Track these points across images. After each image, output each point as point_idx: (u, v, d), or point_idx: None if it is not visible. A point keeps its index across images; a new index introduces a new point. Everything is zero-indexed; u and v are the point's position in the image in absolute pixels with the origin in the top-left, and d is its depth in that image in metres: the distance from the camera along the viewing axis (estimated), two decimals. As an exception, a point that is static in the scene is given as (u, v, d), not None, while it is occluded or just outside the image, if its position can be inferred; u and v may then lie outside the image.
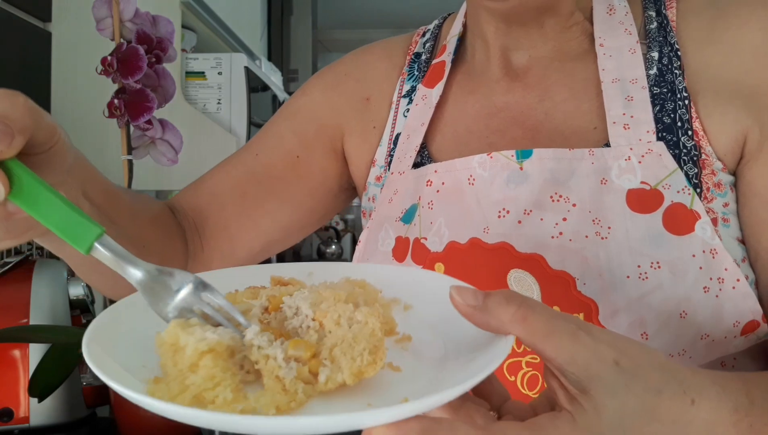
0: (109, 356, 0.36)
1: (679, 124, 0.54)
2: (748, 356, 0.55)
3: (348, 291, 0.41)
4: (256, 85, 1.44)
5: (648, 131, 0.54)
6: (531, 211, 0.54)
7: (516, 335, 0.35)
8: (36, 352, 1.00)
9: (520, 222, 0.54)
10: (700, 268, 0.50)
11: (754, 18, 0.55)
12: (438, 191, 0.59)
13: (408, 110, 0.67)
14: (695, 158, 0.54)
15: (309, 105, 0.73)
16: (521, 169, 0.56)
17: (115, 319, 0.40)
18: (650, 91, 0.56)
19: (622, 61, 0.58)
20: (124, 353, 0.37)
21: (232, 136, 1.33)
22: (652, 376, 0.36)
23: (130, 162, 0.93)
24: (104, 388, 1.07)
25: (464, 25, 0.69)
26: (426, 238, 0.58)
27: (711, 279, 0.50)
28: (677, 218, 0.51)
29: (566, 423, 0.35)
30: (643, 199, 0.52)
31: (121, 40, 0.90)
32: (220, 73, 1.36)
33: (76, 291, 1.08)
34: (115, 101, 0.89)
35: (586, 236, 0.52)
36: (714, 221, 0.52)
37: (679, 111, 0.55)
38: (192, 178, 1.31)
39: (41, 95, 1.27)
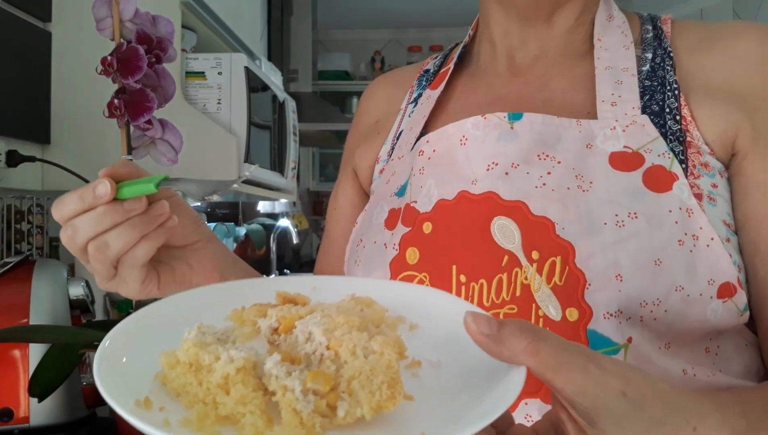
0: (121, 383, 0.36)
1: (667, 110, 0.58)
2: (731, 346, 0.56)
3: (360, 316, 0.40)
4: (256, 85, 1.44)
5: (633, 107, 0.59)
6: (518, 164, 0.58)
7: (528, 366, 0.36)
8: (36, 352, 1.00)
9: (507, 173, 0.58)
10: (676, 222, 0.53)
11: (748, 31, 0.60)
12: (429, 158, 0.63)
13: (413, 111, 0.72)
14: (681, 139, 0.57)
15: (344, 160, 0.85)
16: (512, 128, 0.60)
17: (122, 344, 0.40)
18: (641, 82, 0.61)
19: (616, 54, 0.63)
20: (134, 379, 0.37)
21: (232, 136, 1.33)
22: (657, 406, 0.38)
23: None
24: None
25: (470, 36, 0.74)
26: (416, 202, 0.62)
27: (686, 234, 0.53)
28: (656, 178, 0.55)
29: None
30: (624, 160, 0.56)
31: (121, 40, 0.90)
32: (220, 73, 1.36)
33: (76, 291, 1.08)
34: (115, 101, 0.89)
35: (568, 188, 0.56)
36: (699, 196, 0.55)
37: (668, 100, 0.59)
38: (192, 178, 1.32)
39: (41, 95, 1.27)
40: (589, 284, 0.53)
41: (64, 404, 1.02)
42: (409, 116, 0.72)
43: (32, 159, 1.16)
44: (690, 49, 0.62)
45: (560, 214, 0.55)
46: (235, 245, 2.98)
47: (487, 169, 0.59)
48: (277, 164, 1.65)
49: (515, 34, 0.66)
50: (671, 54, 0.62)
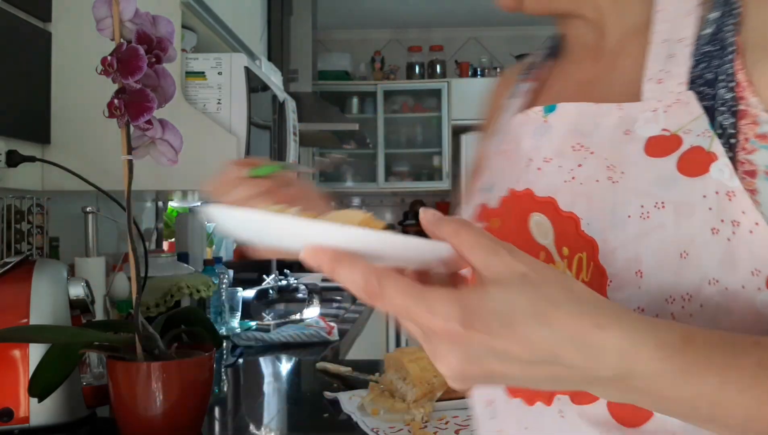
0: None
1: (721, 77, 0.53)
2: None
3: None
4: (256, 85, 1.44)
5: (680, 83, 0.54)
6: (551, 158, 0.58)
7: (450, 244, 0.41)
8: (36, 352, 1.00)
9: (539, 169, 0.58)
10: (710, 208, 0.49)
11: None
12: (498, 154, 0.66)
13: (509, 104, 0.73)
14: (733, 108, 0.51)
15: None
16: (545, 121, 0.60)
17: None
18: (699, 48, 0.55)
19: (675, 24, 0.58)
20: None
21: (232, 136, 1.33)
22: (554, 291, 0.39)
23: (130, 162, 0.93)
24: (104, 388, 1.07)
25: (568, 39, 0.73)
26: (488, 198, 0.65)
27: (723, 221, 0.48)
28: (692, 160, 0.50)
29: (449, 294, 0.38)
30: (660, 144, 0.52)
31: (121, 40, 0.90)
32: (220, 73, 1.36)
33: (76, 291, 1.08)
34: (115, 101, 0.89)
35: (597, 180, 0.53)
36: (751, 174, 0.49)
37: (725, 65, 0.53)
38: (192, 178, 1.32)
39: (41, 95, 1.27)
40: (610, 281, 0.51)
41: (64, 404, 1.02)
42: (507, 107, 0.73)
43: (32, 159, 1.16)
44: (758, 2, 0.54)
45: (586, 209, 0.53)
46: (235, 245, 2.98)
47: (525, 166, 0.60)
48: (277, 164, 1.65)
49: (609, 12, 0.63)
50: (736, 11, 0.54)
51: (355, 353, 2.26)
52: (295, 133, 1.83)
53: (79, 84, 1.29)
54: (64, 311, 1.05)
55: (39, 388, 0.95)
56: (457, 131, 5.05)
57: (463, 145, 4.85)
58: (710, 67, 0.53)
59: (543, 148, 0.58)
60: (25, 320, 1.01)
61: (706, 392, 0.40)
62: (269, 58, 3.21)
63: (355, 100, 5.19)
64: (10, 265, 1.06)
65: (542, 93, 0.70)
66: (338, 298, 3.33)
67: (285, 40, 3.60)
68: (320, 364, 1.44)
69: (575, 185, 0.55)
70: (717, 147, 0.50)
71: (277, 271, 3.24)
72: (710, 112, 0.51)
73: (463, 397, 1.11)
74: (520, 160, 0.61)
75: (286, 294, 3.05)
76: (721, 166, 0.49)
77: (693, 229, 0.49)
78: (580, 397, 0.52)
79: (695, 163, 0.50)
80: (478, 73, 5.16)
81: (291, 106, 1.80)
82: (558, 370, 0.39)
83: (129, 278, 1.12)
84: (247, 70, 1.38)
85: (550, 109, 0.60)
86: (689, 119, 0.52)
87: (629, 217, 0.51)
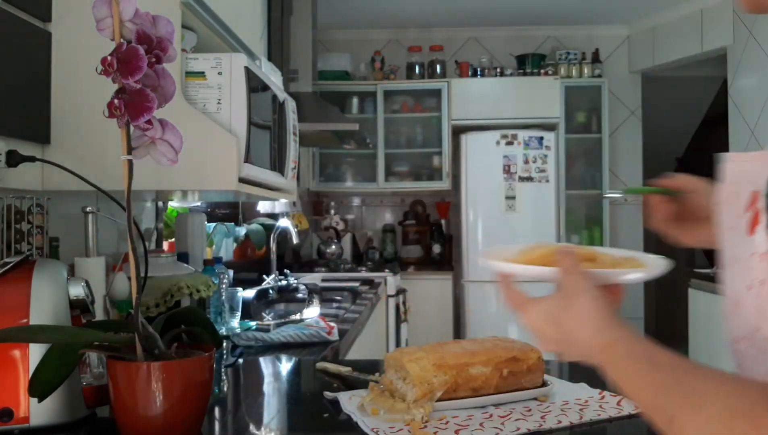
0: None
1: None
2: None
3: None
4: (256, 85, 1.44)
5: None
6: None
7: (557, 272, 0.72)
8: (36, 352, 1.00)
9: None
10: (751, 267, 0.58)
11: None
12: None
13: None
14: None
15: None
16: None
17: None
18: None
19: None
20: None
21: (232, 136, 1.33)
22: (578, 306, 0.69)
23: (130, 162, 0.93)
24: (104, 388, 1.07)
25: None
26: None
27: (754, 279, 0.58)
28: (753, 219, 0.59)
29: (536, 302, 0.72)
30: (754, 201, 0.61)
31: (121, 40, 0.90)
32: (220, 73, 1.36)
33: (76, 291, 1.08)
34: (115, 101, 0.89)
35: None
36: None
37: None
38: (192, 178, 1.32)
39: (41, 95, 1.27)
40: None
41: (64, 404, 1.02)
42: None
43: (32, 159, 1.16)
44: None
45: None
46: (235, 245, 2.98)
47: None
48: (277, 164, 1.65)
49: None
50: None
51: (355, 353, 2.26)
52: (295, 133, 1.83)
53: (79, 84, 1.29)
54: (64, 311, 1.05)
55: (39, 388, 0.95)
56: (457, 131, 5.05)
57: (463, 145, 4.85)
58: None
59: None
60: (25, 320, 1.01)
61: (630, 386, 0.64)
62: (269, 58, 3.21)
63: (355, 100, 5.18)
64: (10, 265, 1.06)
65: None
66: (338, 298, 3.33)
67: (285, 40, 3.60)
68: (320, 364, 1.44)
69: None
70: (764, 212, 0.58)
71: (277, 271, 3.24)
72: None
73: (463, 397, 1.11)
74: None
75: (286, 294, 3.05)
76: (762, 229, 0.57)
77: (738, 285, 0.61)
78: None
79: (753, 222, 0.59)
80: (478, 73, 5.16)
81: (291, 106, 1.80)
82: (576, 351, 0.70)
83: (129, 278, 1.12)
84: (247, 70, 1.38)
85: None
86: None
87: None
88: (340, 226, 4.97)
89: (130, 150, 0.93)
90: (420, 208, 5.39)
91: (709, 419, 0.53)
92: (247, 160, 1.37)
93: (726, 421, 0.52)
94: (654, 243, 6.26)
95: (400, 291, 4.27)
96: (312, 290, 2.98)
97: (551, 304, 0.69)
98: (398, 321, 4.12)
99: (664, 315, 7.40)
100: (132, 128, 0.93)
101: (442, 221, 5.32)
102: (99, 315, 1.15)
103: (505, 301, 0.74)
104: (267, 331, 2.00)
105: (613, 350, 0.65)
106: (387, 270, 4.26)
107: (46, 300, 1.03)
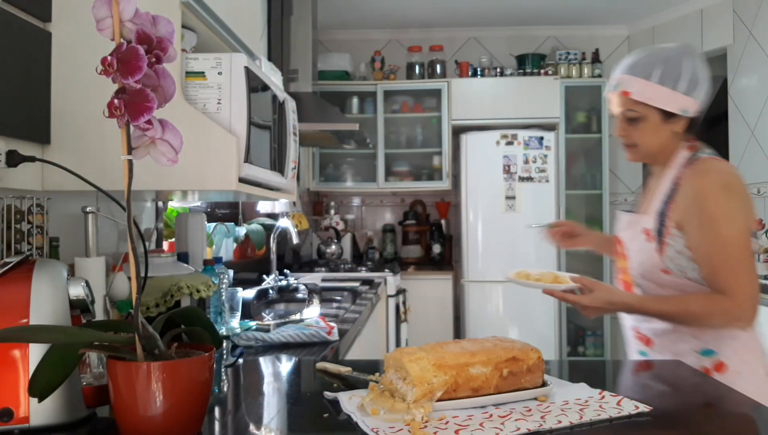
0: None
1: (664, 214, 1.63)
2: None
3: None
4: (256, 85, 1.44)
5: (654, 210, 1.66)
6: (622, 230, 1.80)
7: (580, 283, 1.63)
8: (36, 352, 1.00)
9: (619, 229, 1.84)
10: (653, 250, 1.65)
11: (698, 182, 1.58)
12: (618, 220, 1.86)
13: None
14: (662, 227, 1.61)
15: None
16: (627, 215, 1.81)
17: None
18: (664, 199, 1.65)
19: (665, 186, 1.65)
20: None
21: (232, 136, 1.33)
22: (608, 293, 1.60)
23: (130, 162, 0.93)
24: (104, 388, 1.07)
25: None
26: (617, 233, 1.83)
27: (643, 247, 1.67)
28: (650, 236, 1.64)
29: (586, 297, 1.59)
30: (646, 233, 1.65)
31: (121, 40, 0.90)
32: (220, 73, 1.36)
33: (76, 291, 1.08)
34: (115, 101, 0.89)
35: (635, 241, 1.72)
36: (666, 244, 1.61)
37: (666, 207, 1.63)
38: (192, 178, 1.32)
39: (41, 95, 1.27)
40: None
41: (64, 404, 1.02)
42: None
43: (32, 159, 1.16)
44: (685, 183, 1.61)
45: (628, 244, 1.72)
46: (235, 245, 2.98)
47: (619, 228, 1.82)
48: (277, 164, 1.65)
49: (653, 166, 1.76)
50: (676, 188, 1.63)
51: (355, 353, 2.26)
52: (295, 133, 1.83)
53: (79, 84, 1.29)
54: (64, 311, 1.05)
55: (39, 388, 0.95)
56: (457, 131, 5.05)
57: (463, 144, 4.85)
58: (665, 205, 1.62)
59: (622, 226, 1.79)
60: (25, 320, 1.01)
61: (654, 310, 1.59)
62: (269, 58, 3.21)
63: (355, 100, 5.18)
64: (10, 265, 1.06)
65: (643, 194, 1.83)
66: (338, 298, 3.33)
67: (285, 40, 3.60)
68: (320, 364, 1.44)
69: (628, 238, 1.72)
70: (655, 233, 1.62)
71: (277, 271, 3.24)
72: (660, 222, 1.62)
73: (463, 397, 1.11)
74: (617, 226, 1.81)
75: (286, 294, 3.05)
76: (654, 237, 1.62)
77: (643, 255, 1.64)
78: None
79: (650, 236, 1.63)
80: (478, 73, 5.16)
81: (291, 106, 1.80)
82: (616, 308, 1.62)
83: (129, 278, 1.12)
84: (247, 70, 1.38)
85: (628, 213, 1.81)
86: (654, 224, 1.63)
87: (636, 249, 1.68)
88: (340, 226, 4.97)
89: (130, 150, 0.93)
90: (420, 208, 5.39)
91: (690, 308, 1.55)
92: (247, 160, 1.37)
93: (700, 303, 1.54)
94: (654, 243, 6.06)
95: (400, 291, 4.27)
96: (312, 290, 2.98)
97: (600, 294, 1.57)
98: (398, 321, 4.12)
99: (664, 315, 7.39)
100: (132, 128, 0.93)
101: (442, 221, 5.32)
102: (99, 315, 1.15)
103: (575, 303, 1.60)
104: (267, 331, 2.00)
105: (641, 300, 1.61)
106: (387, 270, 4.26)
107: (46, 300, 1.03)
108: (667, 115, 1.62)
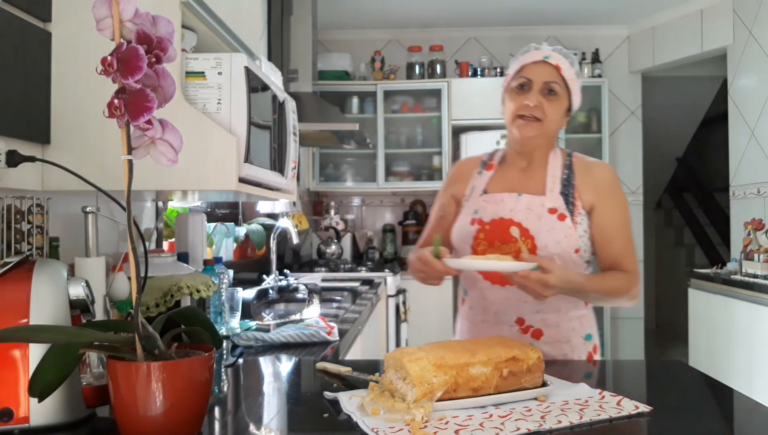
0: None
1: (569, 195, 1.68)
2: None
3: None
4: (256, 85, 1.44)
5: (557, 192, 1.68)
6: (521, 210, 1.66)
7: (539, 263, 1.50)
8: (36, 352, 1.00)
9: (512, 210, 1.67)
10: (566, 227, 1.65)
11: (600, 168, 1.73)
12: (488, 202, 1.70)
13: (479, 178, 1.78)
14: (571, 205, 1.66)
15: (444, 189, 1.85)
16: (519, 197, 1.68)
17: None
18: (563, 182, 1.69)
19: (555, 172, 1.70)
20: None
21: (232, 136, 1.33)
22: (563, 271, 1.51)
23: (130, 162, 0.93)
24: (104, 388, 1.07)
25: (504, 154, 1.81)
26: (482, 217, 1.68)
27: (565, 236, 1.65)
28: (561, 214, 1.65)
29: (542, 275, 1.48)
30: (553, 210, 1.66)
31: (121, 40, 0.90)
32: (220, 73, 1.36)
33: (76, 291, 1.08)
34: (115, 101, 0.89)
35: (538, 218, 1.66)
36: (577, 222, 1.66)
37: (571, 190, 1.68)
38: (192, 178, 1.32)
39: (41, 95, 1.27)
40: (539, 249, 1.62)
41: (64, 404, 1.02)
42: (478, 179, 1.78)
43: (32, 159, 1.16)
44: (579, 173, 1.70)
45: (532, 225, 1.64)
46: (235, 245, 2.98)
47: (510, 210, 1.66)
48: (277, 164, 1.65)
49: (520, 159, 1.75)
50: (572, 172, 1.70)
51: (355, 353, 2.26)
52: (295, 133, 1.83)
53: (79, 84, 1.29)
54: (64, 311, 1.05)
55: (39, 388, 0.95)
56: (457, 131, 5.05)
57: (463, 144, 4.85)
58: (567, 188, 1.68)
59: (517, 208, 1.66)
60: (25, 320, 1.01)
61: (595, 287, 1.60)
62: (269, 58, 3.21)
63: (355, 100, 5.18)
64: (10, 265, 1.06)
65: (494, 181, 1.76)
66: (338, 298, 3.33)
67: (285, 40, 3.60)
68: (320, 364, 1.44)
69: (530, 219, 1.64)
70: (566, 212, 1.65)
71: (277, 271, 3.24)
72: (566, 202, 1.66)
73: (463, 397, 1.11)
74: (505, 208, 1.67)
75: (286, 294, 3.05)
76: (566, 215, 1.65)
77: (559, 233, 1.62)
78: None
79: (561, 216, 1.64)
80: (478, 73, 5.16)
81: (291, 106, 1.80)
82: (571, 287, 1.53)
83: (129, 278, 1.12)
84: (247, 70, 1.38)
85: (520, 195, 1.67)
86: (562, 204, 1.65)
87: (546, 229, 1.63)
88: (340, 226, 4.97)
89: (130, 150, 0.93)
90: (420, 208, 5.39)
91: (615, 284, 1.63)
92: (247, 160, 1.37)
93: (620, 280, 1.64)
94: (653, 243, 6.23)
95: (400, 291, 4.26)
96: (312, 290, 2.98)
97: (560, 273, 1.48)
98: (398, 321, 4.11)
99: (664, 315, 7.40)
100: (132, 128, 0.93)
101: (442, 221, 5.31)
102: (99, 315, 1.15)
103: (526, 282, 1.46)
104: (267, 331, 2.00)
105: (587, 278, 1.60)
106: (387, 270, 4.26)
107: (46, 300, 1.03)
108: (568, 109, 1.71)
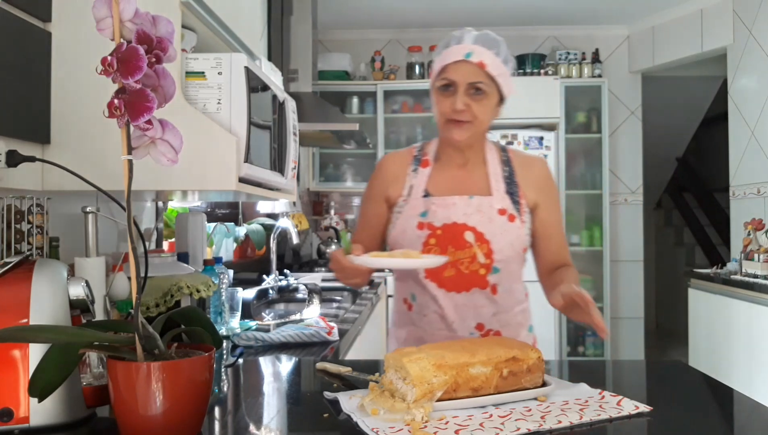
0: None
1: (514, 194, 1.63)
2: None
3: None
4: (256, 85, 1.44)
5: (504, 191, 1.63)
6: (472, 214, 1.59)
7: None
8: (36, 352, 1.00)
9: (465, 214, 1.59)
10: (515, 229, 1.62)
11: (538, 164, 1.69)
12: (438, 206, 1.60)
13: (415, 176, 1.66)
14: (517, 204, 1.62)
15: (373, 193, 1.70)
16: (471, 199, 1.60)
17: None
18: (506, 180, 1.64)
19: (496, 170, 1.64)
20: None
21: (232, 136, 1.33)
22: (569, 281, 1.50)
23: (130, 162, 0.93)
24: (104, 388, 1.07)
25: (436, 147, 1.69)
26: (432, 222, 1.58)
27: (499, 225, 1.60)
28: (509, 215, 1.61)
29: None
30: (502, 212, 1.60)
31: (121, 40, 0.90)
32: (220, 73, 1.36)
33: (76, 291, 1.08)
34: (115, 101, 0.89)
35: (489, 220, 1.60)
36: (524, 221, 1.62)
37: (515, 189, 1.64)
38: (192, 178, 1.32)
39: (41, 95, 1.27)
40: (495, 253, 1.58)
41: (64, 404, 1.02)
42: (414, 177, 1.65)
43: (32, 159, 1.16)
44: (519, 169, 1.66)
45: (486, 229, 1.58)
46: (235, 245, 2.98)
47: (463, 214, 1.58)
48: (277, 164, 1.65)
49: (456, 154, 1.65)
50: (511, 169, 1.65)
51: (355, 353, 2.26)
52: (295, 133, 1.83)
53: (79, 84, 1.29)
54: (64, 311, 1.05)
55: (39, 388, 0.95)
56: (457, 131, 5.05)
57: (463, 145, 4.85)
58: (511, 187, 1.63)
59: (470, 211, 1.59)
60: (25, 320, 1.01)
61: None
62: (269, 58, 3.21)
63: (355, 100, 5.18)
64: (10, 265, 1.06)
65: (434, 179, 1.64)
66: (338, 298, 3.33)
67: (285, 40, 3.60)
68: (320, 364, 1.44)
69: (483, 222, 1.58)
70: (515, 212, 1.61)
71: (277, 271, 3.24)
72: (513, 201, 1.61)
73: (463, 397, 1.11)
74: (458, 211, 1.58)
75: (286, 294, 3.05)
76: (515, 216, 1.61)
77: (511, 235, 1.59)
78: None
79: (510, 217, 1.60)
80: (478, 73, 5.15)
81: (291, 106, 1.80)
82: None
83: (129, 278, 1.12)
84: (247, 70, 1.38)
85: (471, 197, 1.59)
86: (509, 204, 1.61)
87: (499, 231, 1.59)
88: (340, 226, 4.97)
89: (130, 150, 0.93)
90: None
91: (576, 277, 1.56)
92: (247, 160, 1.37)
93: (574, 276, 1.56)
94: (653, 242, 6.24)
95: (400, 291, 4.26)
96: (312, 290, 2.98)
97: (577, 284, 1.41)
98: (398, 321, 4.11)
99: (664, 315, 7.40)
100: (132, 128, 0.93)
101: (442, 221, 5.31)
102: (99, 315, 1.15)
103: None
104: (267, 331, 2.00)
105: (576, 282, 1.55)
106: (387, 270, 4.26)
107: (46, 300, 1.03)
108: (500, 99, 1.59)
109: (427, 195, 1.61)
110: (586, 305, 1.28)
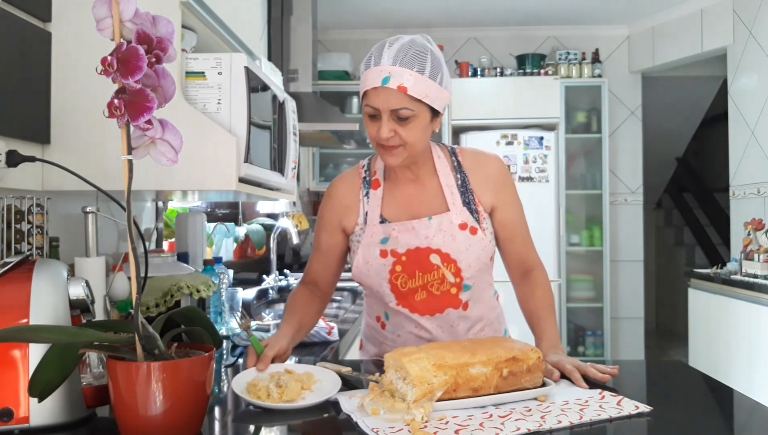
0: None
1: (470, 203, 1.56)
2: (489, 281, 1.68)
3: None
4: (256, 85, 1.44)
5: (460, 203, 1.55)
6: (434, 236, 1.53)
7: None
8: (36, 352, 1.00)
9: (427, 237, 1.52)
10: (480, 241, 1.55)
11: (490, 163, 1.60)
12: (399, 231, 1.54)
13: (368, 201, 1.58)
14: (476, 213, 1.55)
15: (326, 222, 1.62)
16: (430, 221, 1.53)
17: None
18: (459, 189, 1.56)
19: (448, 180, 1.56)
20: None
21: (232, 136, 1.33)
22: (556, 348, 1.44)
23: (130, 162, 0.93)
24: (104, 388, 1.07)
25: (384, 164, 1.59)
26: (396, 248, 1.53)
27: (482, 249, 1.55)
28: (471, 229, 1.54)
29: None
30: (462, 226, 1.54)
31: (121, 40, 0.90)
32: (220, 73, 1.36)
33: (76, 291, 1.08)
34: (115, 101, 0.89)
35: (453, 238, 1.54)
36: (484, 229, 1.56)
37: (470, 196, 1.57)
38: (192, 178, 1.33)
39: (41, 95, 1.27)
40: (464, 271, 1.54)
41: (64, 404, 1.02)
42: (367, 203, 1.57)
43: (32, 159, 1.16)
44: (472, 173, 1.59)
45: (450, 248, 1.52)
46: (235, 245, 2.98)
47: (425, 237, 1.53)
48: (277, 164, 1.65)
49: (405, 169, 1.56)
50: (464, 175, 1.58)
51: (355, 353, 2.26)
52: (295, 133, 1.83)
53: (79, 84, 1.29)
54: (64, 311, 1.05)
55: (39, 388, 0.95)
56: (457, 131, 5.05)
57: (463, 145, 4.85)
58: (466, 197, 1.56)
59: (431, 233, 1.52)
60: (25, 320, 1.01)
61: (555, 324, 1.53)
62: (269, 58, 3.21)
63: (355, 100, 5.18)
64: (10, 265, 1.06)
65: (388, 202, 1.57)
66: (338, 298, 3.33)
67: (285, 40, 3.60)
68: (320, 364, 1.44)
69: (447, 242, 1.52)
70: (475, 224, 1.54)
71: (277, 271, 3.24)
72: (471, 211, 1.55)
73: (463, 397, 1.11)
74: (419, 235, 1.52)
75: (286, 294, 3.05)
76: (476, 228, 1.54)
77: (477, 249, 1.53)
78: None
79: (472, 229, 1.53)
80: (479, 73, 5.16)
81: (291, 106, 1.80)
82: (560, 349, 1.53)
83: (129, 278, 1.12)
84: (247, 70, 1.38)
85: (430, 219, 1.53)
86: (468, 217, 1.54)
87: (464, 248, 1.53)
88: (340, 226, 4.96)
89: (130, 150, 0.93)
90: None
91: (550, 299, 1.58)
92: (247, 160, 1.37)
93: (547, 289, 1.60)
94: (653, 242, 6.25)
95: (400, 291, 4.25)
96: (312, 290, 2.97)
97: (559, 351, 1.43)
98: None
99: (664, 315, 7.40)
100: (132, 128, 0.93)
101: (442, 221, 5.31)
102: (99, 315, 1.15)
103: None
104: (267, 331, 2.00)
105: (554, 324, 1.54)
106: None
107: (46, 300, 1.03)
108: (435, 113, 1.46)
109: (383, 220, 1.54)
110: (576, 381, 1.25)
